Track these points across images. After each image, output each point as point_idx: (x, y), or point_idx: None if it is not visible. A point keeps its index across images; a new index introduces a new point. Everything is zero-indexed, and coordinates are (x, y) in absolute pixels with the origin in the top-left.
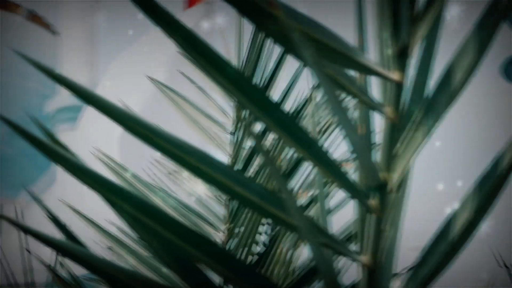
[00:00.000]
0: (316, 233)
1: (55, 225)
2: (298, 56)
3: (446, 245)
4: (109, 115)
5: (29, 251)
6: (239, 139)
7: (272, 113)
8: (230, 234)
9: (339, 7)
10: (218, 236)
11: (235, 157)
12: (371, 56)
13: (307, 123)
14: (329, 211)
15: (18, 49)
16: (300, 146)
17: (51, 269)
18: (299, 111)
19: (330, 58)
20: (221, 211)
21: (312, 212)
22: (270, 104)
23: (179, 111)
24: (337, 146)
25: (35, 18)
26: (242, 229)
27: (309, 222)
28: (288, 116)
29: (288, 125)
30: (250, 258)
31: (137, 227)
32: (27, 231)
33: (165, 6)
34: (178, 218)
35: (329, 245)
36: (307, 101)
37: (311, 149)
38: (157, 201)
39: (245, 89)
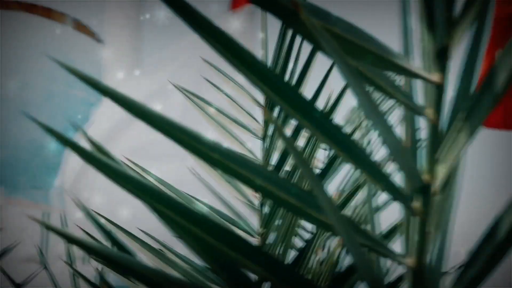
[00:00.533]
0: (355, 233)
1: (103, 233)
2: (327, 55)
3: (493, 246)
4: (149, 123)
5: (70, 264)
6: (269, 143)
7: (307, 112)
8: (264, 238)
9: (376, 9)
10: (253, 241)
11: (265, 161)
12: (416, 59)
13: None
14: (376, 210)
15: (63, 58)
16: (339, 147)
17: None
18: (332, 110)
19: (366, 60)
20: (254, 216)
21: (357, 212)
22: (305, 102)
23: (206, 118)
24: (375, 147)
25: (80, 26)
26: (277, 232)
27: (347, 222)
28: (324, 114)
29: (323, 124)
30: (287, 258)
31: (178, 230)
32: (72, 240)
33: (206, 12)
34: (216, 220)
35: (370, 246)
36: (338, 100)
37: (350, 150)
38: (189, 206)
39: (278, 87)
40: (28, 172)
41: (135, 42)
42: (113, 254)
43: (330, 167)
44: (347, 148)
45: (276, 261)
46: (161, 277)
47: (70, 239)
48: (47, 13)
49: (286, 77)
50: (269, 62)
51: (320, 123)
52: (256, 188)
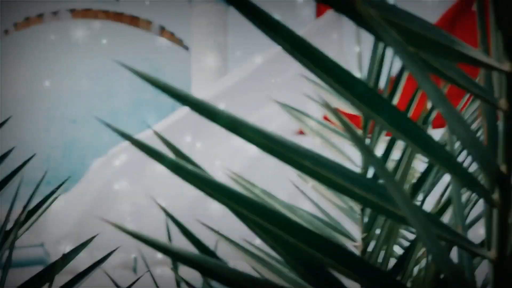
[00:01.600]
0: (433, 226)
1: (185, 235)
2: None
3: None
4: (237, 133)
5: (176, 270)
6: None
7: (399, 123)
8: (366, 244)
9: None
10: (354, 247)
11: (365, 168)
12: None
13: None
14: (464, 208)
15: (152, 66)
16: (427, 151)
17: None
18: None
19: (435, 52)
20: (355, 222)
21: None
22: (397, 114)
23: (305, 128)
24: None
25: (166, 33)
26: (378, 239)
27: (431, 223)
28: (415, 124)
29: (415, 133)
30: (387, 266)
31: (264, 235)
32: (146, 241)
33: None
34: (312, 228)
35: (456, 242)
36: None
37: (438, 154)
38: (288, 214)
39: (371, 101)
40: None
41: (222, 47)
42: (203, 260)
43: (428, 172)
44: (433, 151)
45: (377, 269)
46: (244, 279)
47: (144, 240)
48: (134, 21)
49: (378, 89)
50: (357, 74)
51: (410, 131)
52: (354, 197)
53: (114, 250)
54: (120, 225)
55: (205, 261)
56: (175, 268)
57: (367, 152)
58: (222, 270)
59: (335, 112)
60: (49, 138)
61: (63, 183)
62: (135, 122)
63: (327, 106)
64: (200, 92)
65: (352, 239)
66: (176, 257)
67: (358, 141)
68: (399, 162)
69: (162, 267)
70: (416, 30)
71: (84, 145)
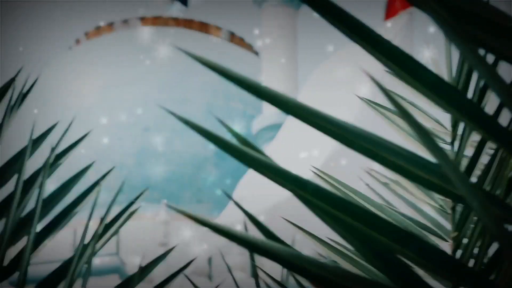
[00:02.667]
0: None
1: (258, 228)
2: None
3: None
4: (321, 129)
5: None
6: (459, 148)
7: (488, 126)
8: (457, 243)
9: None
10: (445, 246)
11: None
12: None
13: None
14: None
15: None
16: None
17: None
18: None
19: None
20: (445, 221)
21: None
22: (486, 117)
23: (391, 126)
24: None
25: (235, 39)
26: (470, 237)
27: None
28: (504, 127)
29: (504, 135)
30: (481, 265)
31: (337, 227)
32: (221, 231)
33: (364, 20)
34: (397, 224)
35: None
36: None
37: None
38: (374, 211)
39: (458, 103)
40: (193, 186)
41: (292, 51)
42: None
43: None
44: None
45: (469, 269)
46: (314, 265)
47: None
48: (204, 27)
49: (460, 89)
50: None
51: (500, 134)
52: (444, 193)
53: (193, 259)
54: (202, 218)
55: (279, 250)
56: (252, 260)
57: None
58: (297, 259)
59: (406, 113)
60: (122, 146)
61: (140, 194)
62: (208, 128)
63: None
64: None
65: (443, 238)
66: (252, 247)
67: (430, 143)
68: (489, 165)
69: (238, 272)
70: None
71: (156, 153)
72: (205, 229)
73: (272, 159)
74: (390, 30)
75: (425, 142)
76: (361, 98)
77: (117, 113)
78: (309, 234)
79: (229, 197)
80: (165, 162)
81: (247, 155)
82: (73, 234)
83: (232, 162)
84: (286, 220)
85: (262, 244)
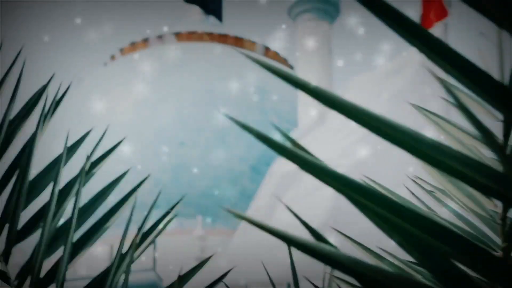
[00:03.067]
0: None
1: (308, 230)
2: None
3: None
4: (376, 131)
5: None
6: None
7: None
8: (507, 255)
9: None
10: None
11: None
12: None
13: None
14: None
15: (259, 84)
16: None
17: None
18: None
19: None
20: (492, 232)
21: None
22: None
23: (440, 131)
24: None
25: (270, 53)
26: None
27: None
28: None
29: None
30: None
31: (392, 232)
32: (280, 235)
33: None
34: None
35: None
36: None
37: None
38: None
39: None
40: (229, 201)
41: (326, 65)
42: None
43: None
44: None
45: None
46: (359, 265)
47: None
48: (238, 42)
49: None
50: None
51: None
52: (496, 195)
53: (230, 270)
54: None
55: (320, 247)
56: (290, 257)
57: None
58: (336, 255)
59: (472, 115)
60: (158, 161)
61: (177, 203)
62: (242, 142)
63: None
64: (307, 109)
65: (492, 248)
66: (310, 251)
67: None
68: None
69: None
70: None
71: (193, 167)
72: (237, 243)
73: (324, 162)
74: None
75: (488, 143)
76: (412, 105)
77: (151, 128)
78: (357, 243)
79: (282, 203)
80: (201, 177)
81: (301, 158)
82: (109, 249)
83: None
84: (336, 230)
85: (320, 249)
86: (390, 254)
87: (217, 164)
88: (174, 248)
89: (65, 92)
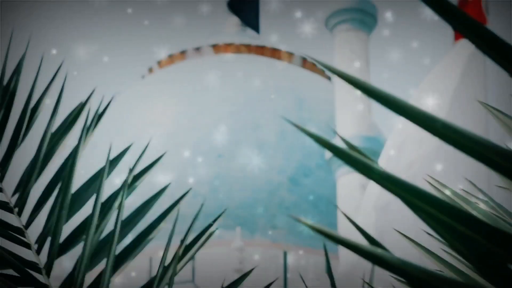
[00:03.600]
0: None
1: (367, 239)
2: None
3: None
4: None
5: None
6: None
7: None
8: None
9: None
10: None
11: None
12: None
13: None
14: None
15: (295, 95)
16: None
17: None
18: None
19: None
20: None
21: None
22: None
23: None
24: None
25: (307, 64)
26: None
27: None
28: None
29: None
30: None
31: (449, 236)
32: (342, 241)
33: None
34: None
35: None
36: None
37: None
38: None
39: None
40: (267, 212)
41: (364, 75)
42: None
43: None
44: None
45: None
46: (417, 270)
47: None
48: (276, 53)
49: None
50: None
51: None
52: None
53: (274, 281)
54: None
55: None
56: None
57: None
58: (392, 259)
59: None
60: (196, 173)
61: (218, 216)
62: (280, 154)
63: None
64: (345, 121)
65: None
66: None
67: None
68: None
69: None
70: None
71: (231, 179)
72: (278, 252)
73: (379, 165)
74: (460, 52)
75: None
76: (482, 103)
77: (190, 141)
78: (421, 246)
79: (342, 213)
80: (239, 189)
81: (358, 161)
82: (148, 261)
83: (306, 188)
84: (399, 232)
85: (386, 257)
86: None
87: (255, 176)
88: (212, 259)
89: (107, 105)
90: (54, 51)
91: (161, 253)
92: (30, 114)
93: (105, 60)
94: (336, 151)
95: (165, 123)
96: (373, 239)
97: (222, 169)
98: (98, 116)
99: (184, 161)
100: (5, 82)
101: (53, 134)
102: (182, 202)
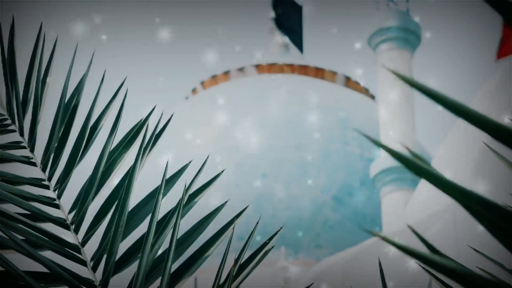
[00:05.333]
0: None
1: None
2: None
3: None
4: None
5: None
6: None
7: None
8: None
9: None
10: None
11: None
12: None
13: None
14: None
15: (336, 115)
16: None
17: None
18: None
19: None
20: None
21: None
22: None
23: None
24: None
25: (351, 83)
26: None
27: None
28: None
29: None
30: None
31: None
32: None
33: None
34: None
35: None
36: None
37: None
38: None
39: None
40: (312, 231)
41: (407, 94)
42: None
43: None
44: None
45: None
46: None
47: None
48: (319, 73)
49: None
50: None
51: None
52: None
53: None
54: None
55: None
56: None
57: None
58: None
59: None
60: (240, 193)
61: (275, 234)
62: (324, 173)
63: None
64: (389, 139)
65: None
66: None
67: None
68: None
69: None
70: None
71: (275, 199)
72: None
73: (442, 173)
74: (505, 70)
75: None
76: None
77: (233, 160)
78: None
79: (408, 226)
80: (283, 208)
81: (422, 169)
82: (193, 281)
83: (350, 207)
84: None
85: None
86: None
87: (299, 195)
88: (257, 278)
89: (166, 125)
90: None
91: (205, 274)
92: (89, 132)
93: (161, 80)
94: (410, 164)
95: (209, 143)
96: (431, 245)
97: (266, 189)
98: (156, 136)
99: (227, 180)
100: (66, 99)
101: (111, 152)
102: (224, 221)
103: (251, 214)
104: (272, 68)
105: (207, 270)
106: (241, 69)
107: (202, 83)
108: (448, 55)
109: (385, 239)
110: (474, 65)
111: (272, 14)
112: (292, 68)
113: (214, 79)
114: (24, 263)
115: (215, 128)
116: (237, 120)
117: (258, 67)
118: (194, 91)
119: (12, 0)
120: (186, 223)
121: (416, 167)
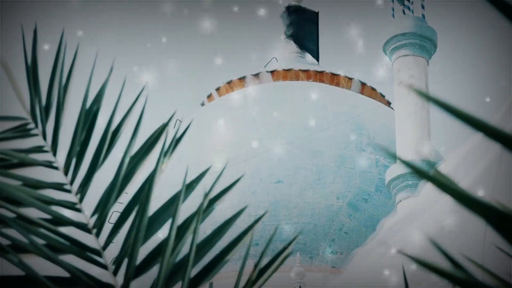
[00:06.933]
0: None
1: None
2: None
3: None
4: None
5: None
6: None
7: None
8: None
9: None
10: None
11: None
12: None
13: None
14: None
15: (354, 121)
16: None
17: None
18: None
19: None
20: None
21: None
22: None
23: None
24: None
25: (367, 89)
26: None
27: None
28: None
29: None
30: None
31: None
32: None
33: None
34: None
35: None
36: None
37: None
38: None
39: None
40: (327, 238)
41: (423, 102)
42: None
43: None
44: None
45: None
46: None
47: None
48: (335, 79)
49: None
50: None
51: None
52: None
53: None
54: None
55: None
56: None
57: None
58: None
59: None
60: (256, 199)
61: (293, 240)
62: (339, 179)
63: None
64: (405, 146)
65: None
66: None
67: None
68: None
69: None
70: None
71: (290, 205)
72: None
73: (456, 183)
74: None
75: None
76: None
77: (249, 167)
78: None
79: (426, 236)
80: (298, 214)
81: (438, 181)
82: (207, 286)
83: (366, 213)
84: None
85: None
86: None
87: (314, 201)
88: (273, 284)
89: (186, 130)
90: (135, 68)
91: (216, 280)
92: (110, 137)
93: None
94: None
95: (224, 149)
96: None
97: (281, 195)
98: (176, 141)
99: (243, 186)
100: (88, 104)
101: (132, 157)
102: (243, 228)
103: (267, 220)
104: (287, 74)
105: (219, 275)
106: (256, 75)
107: (218, 89)
108: (463, 59)
109: (411, 257)
110: (488, 68)
111: (284, 30)
112: (308, 75)
113: (230, 85)
114: (44, 267)
115: (231, 134)
116: (252, 127)
117: (274, 73)
118: (209, 97)
119: (34, 1)
120: (201, 228)
121: (438, 182)
